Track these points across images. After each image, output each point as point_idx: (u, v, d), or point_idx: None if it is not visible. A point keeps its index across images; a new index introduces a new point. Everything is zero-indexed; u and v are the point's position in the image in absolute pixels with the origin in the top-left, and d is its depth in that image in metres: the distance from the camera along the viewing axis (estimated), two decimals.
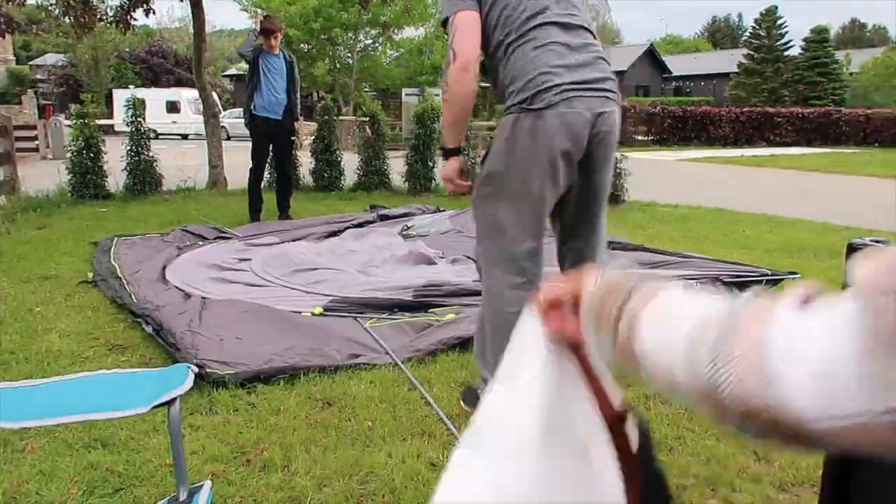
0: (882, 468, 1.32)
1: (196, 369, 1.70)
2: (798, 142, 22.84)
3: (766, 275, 4.07)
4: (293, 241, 5.19)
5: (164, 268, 4.38)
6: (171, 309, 3.48)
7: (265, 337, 3.07)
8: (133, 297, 3.69)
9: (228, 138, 16.94)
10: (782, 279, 4.07)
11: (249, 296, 3.76)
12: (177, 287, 3.94)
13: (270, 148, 6.45)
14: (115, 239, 5.28)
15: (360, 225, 5.81)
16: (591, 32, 2.19)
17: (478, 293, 3.69)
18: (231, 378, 2.59)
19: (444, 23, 2.18)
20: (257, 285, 4.02)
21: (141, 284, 3.97)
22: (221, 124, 10.42)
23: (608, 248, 4.95)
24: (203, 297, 3.65)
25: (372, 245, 4.99)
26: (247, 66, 6.27)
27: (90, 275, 4.27)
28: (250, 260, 4.55)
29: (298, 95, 6.48)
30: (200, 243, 5.21)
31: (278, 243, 5.07)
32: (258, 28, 6.29)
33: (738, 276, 3.98)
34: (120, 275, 4.16)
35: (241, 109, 6.29)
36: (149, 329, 3.16)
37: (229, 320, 3.27)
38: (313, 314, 3.42)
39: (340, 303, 3.54)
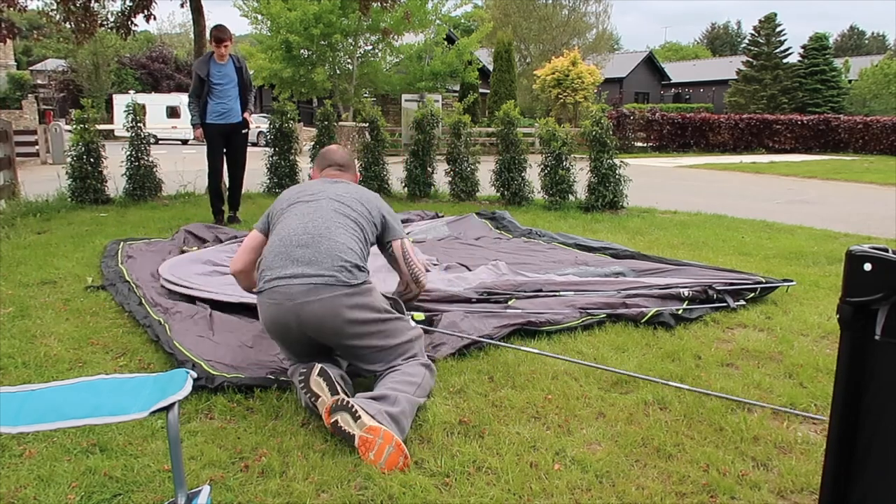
0: (880, 475, 1.32)
1: (195, 375, 1.70)
2: (797, 148, 22.87)
3: (761, 282, 4.03)
4: None
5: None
6: (185, 313, 3.48)
7: (269, 343, 3.08)
8: (142, 300, 3.70)
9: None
10: (777, 286, 4.04)
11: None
12: (168, 280, 3.92)
13: (224, 152, 6.64)
14: (122, 243, 5.31)
15: None
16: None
17: (468, 300, 3.70)
18: (239, 382, 2.61)
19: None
20: None
21: (149, 288, 3.96)
22: None
23: (600, 254, 4.97)
24: (213, 300, 3.64)
25: None
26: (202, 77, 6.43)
27: (90, 279, 4.27)
28: None
29: (252, 94, 6.76)
30: (197, 248, 5.20)
31: None
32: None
33: (732, 284, 3.95)
34: (129, 279, 4.16)
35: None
36: (153, 336, 3.16)
37: (239, 327, 3.28)
38: None
39: None
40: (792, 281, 4.18)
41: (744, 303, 3.79)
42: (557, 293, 3.81)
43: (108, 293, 3.97)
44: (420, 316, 3.35)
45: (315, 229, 2.55)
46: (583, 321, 3.39)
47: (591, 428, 2.35)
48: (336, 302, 2.41)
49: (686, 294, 3.71)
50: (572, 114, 24.92)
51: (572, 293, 3.80)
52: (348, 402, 2.20)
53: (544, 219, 7.22)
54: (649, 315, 3.43)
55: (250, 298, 3.51)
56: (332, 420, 2.20)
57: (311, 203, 2.68)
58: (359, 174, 3.18)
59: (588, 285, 3.95)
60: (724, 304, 3.73)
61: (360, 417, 2.15)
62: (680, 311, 3.54)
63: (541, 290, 3.83)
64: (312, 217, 2.60)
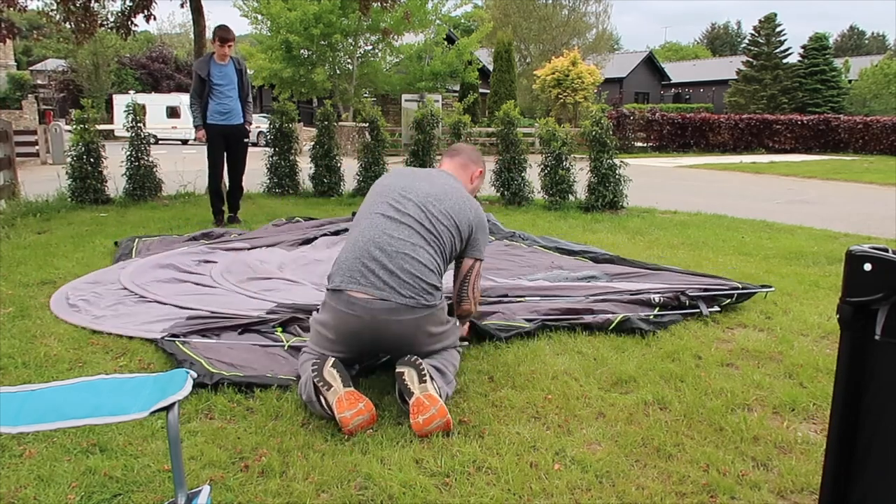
0: (880, 475, 1.32)
1: (195, 375, 1.70)
2: (797, 149, 22.88)
3: (738, 288, 3.80)
4: (267, 247, 5.10)
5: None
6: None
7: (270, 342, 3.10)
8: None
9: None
10: (755, 293, 3.88)
11: (196, 296, 3.76)
12: (127, 288, 3.90)
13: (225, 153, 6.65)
14: (137, 240, 5.36)
15: (336, 233, 5.65)
16: None
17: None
18: (238, 380, 2.62)
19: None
20: (207, 285, 4.00)
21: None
22: None
23: (580, 257, 4.93)
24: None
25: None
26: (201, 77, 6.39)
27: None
28: (216, 263, 4.49)
29: (251, 100, 6.76)
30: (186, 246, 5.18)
31: (248, 249, 4.99)
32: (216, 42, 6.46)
33: (707, 290, 3.74)
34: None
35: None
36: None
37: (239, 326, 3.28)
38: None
39: (286, 308, 3.49)
40: (771, 287, 3.98)
41: (718, 309, 3.62)
42: (522, 298, 3.69)
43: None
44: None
45: (400, 244, 2.53)
46: (533, 327, 3.25)
47: (591, 428, 2.34)
48: (416, 323, 2.51)
49: (657, 300, 3.55)
50: (572, 114, 24.93)
51: (538, 298, 3.68)
52: (420, 363, 2.38)
53: (544, 219, 7.22)
54: (616, 322, 3.29)
55: (204, 306, 3.53)
56: (398, 371, 2.37)
57: (399, 209, 2.63)
58: (479, 168, 3.05)
59: (557, 290, 3.84)
60: (697, 311, 3.57)
61: (425, 381, 2.33)
62: (651, 317, 3.40)
63: (505, 296, 3.70)
64: (398, 229, 2.58)
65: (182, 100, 27.16)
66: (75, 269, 4.58)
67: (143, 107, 8.39)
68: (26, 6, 8.25)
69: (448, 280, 2.86)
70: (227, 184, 6.83)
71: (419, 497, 1.91)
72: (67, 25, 8.63)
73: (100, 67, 32.38)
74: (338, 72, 23.15)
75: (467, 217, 2.71)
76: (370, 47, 24.05)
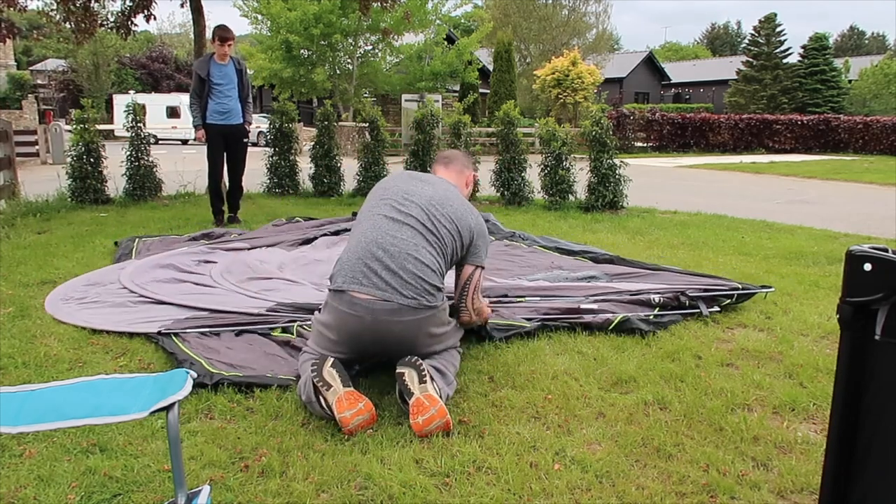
0: (880, 475, 1.32)
1: (195, 375, 1.70)
2: (797, 149, 22.88)
3: (738, 289, 3.79)
4: (267, 247, 5.10)
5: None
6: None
7: (270, 343, 3.11)
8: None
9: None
10: (755, 293, 3.88)
11: (196, 296, 3.76)
12: (127, 288, 3.90)
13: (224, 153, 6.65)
14: (137, 240, 5.37)
15: (336, 233, 5.66)
16: None
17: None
18: (238, 380, 2.62)
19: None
20: (207, 285, 4.00)
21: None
22: None
23: (580, 257, 4.92)
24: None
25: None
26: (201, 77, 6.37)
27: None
28: (216, 263, 4.49)
29: (251, 100, 6.76)
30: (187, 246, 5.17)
31: (248, 249, 5.00)
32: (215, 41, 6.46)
33: (707, 290, 3.73)
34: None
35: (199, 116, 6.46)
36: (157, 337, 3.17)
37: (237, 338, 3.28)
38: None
39: (287, 306, 3.51)
40: (771, 287, 3.97)
41: (718, 309, 3.61)
42: (522, 298, 3.68)
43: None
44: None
45: (403, 244, 2.55)
46: (533, 327, 3.24)
47: (591, 428, 2.34)
48: (418, 324, 2.52)
49: (657, 300, 3.54)
50: (572, 114, 24.93)
51: (538, 299, 3.67)
52: (420, 364, 2.38)
53: (544, 219, 7.22)
54: (616, 322, 3.29)
55: (203, 304, 3.54)
56: (399, 372, 2.37)
57: (402, 210, 2.65)
58: (472, 172, 3.14)
59: (557, 290, 3.82)
60: (697, 311, 3.56)
61: (425, 382, 2.32)
62: (651, 317, 3.39)
63: (505, 296, 3.70)
64: (401, 229, 2.60)
65: (182, 100, 27.14)
66: (75, 269, 4.58)
67: (143, 107, 8.40)
68: (26, 6, 8.25)
69: (450, 282, 2.86)
70: (227, 184, 6.83)
71: (419, 497, 1.91)
72: (67, 25, 8.63)
73: (100, 67, 32.39)
74: (338, 72, 23.15)
75: (468, 223, 2.72)
76: (370, 47, 24.05)
